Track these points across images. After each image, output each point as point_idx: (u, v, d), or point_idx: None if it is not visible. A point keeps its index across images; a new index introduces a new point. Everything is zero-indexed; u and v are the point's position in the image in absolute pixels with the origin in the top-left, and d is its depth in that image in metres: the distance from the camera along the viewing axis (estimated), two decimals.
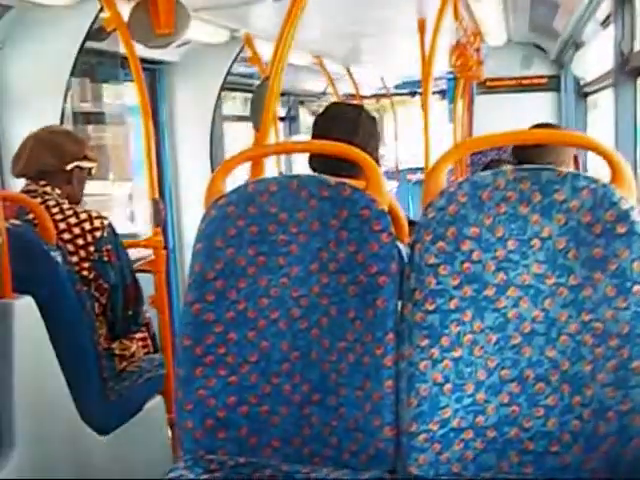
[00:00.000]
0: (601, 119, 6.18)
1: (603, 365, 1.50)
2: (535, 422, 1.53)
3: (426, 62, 4.31)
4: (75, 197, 2.68)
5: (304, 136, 8.59)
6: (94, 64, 4.45)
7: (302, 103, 9.48)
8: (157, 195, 3.34)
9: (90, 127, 4.92)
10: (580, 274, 1.52)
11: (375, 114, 2.35)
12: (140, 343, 2.81)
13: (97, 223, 2.53)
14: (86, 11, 3.41)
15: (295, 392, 1.68)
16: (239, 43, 4.86)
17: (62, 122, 3.50)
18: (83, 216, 2.52)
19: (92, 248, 2.51)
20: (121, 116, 5.20)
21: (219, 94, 5.20)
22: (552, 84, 8.07)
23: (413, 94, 9.90)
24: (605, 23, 4.94)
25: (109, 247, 2.55)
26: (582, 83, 6.79)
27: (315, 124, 2.25)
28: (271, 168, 5.34)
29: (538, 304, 1.54)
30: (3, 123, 3.48)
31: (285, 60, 2.44)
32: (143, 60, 3.62)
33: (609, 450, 1.49)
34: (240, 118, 6.92)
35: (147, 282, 3.21)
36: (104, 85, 4.88)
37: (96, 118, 4.94)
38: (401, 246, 1.84)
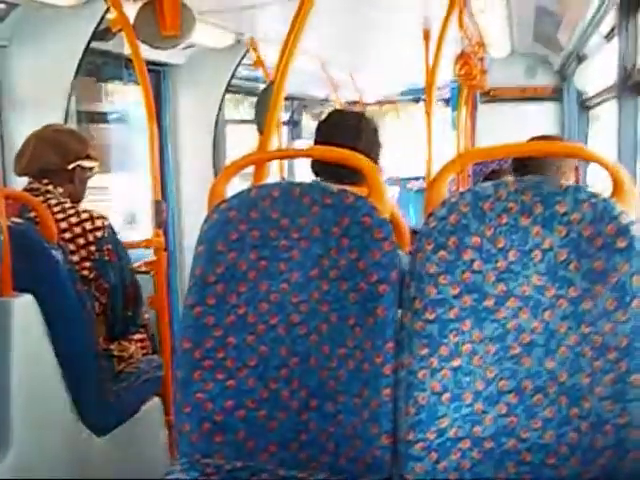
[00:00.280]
0: (602, 132, 6.19)
1: (601, 378, 1.50)
2: (532, 434, 1.53)
3: (430, 71, 4.32)
4: (77, 196, 2.68)
5: (307, 141, 8.60)
6: (99, 64, 4.45)
7: (305, 108, 9.49)
8: (159, 196, 3.34)
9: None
10: (580, 286, 1.53)
11: (377, 122, 2.36)
12: (139, 344, 2.82)
13: (98, 223, 2.53)
14: (92, 11, 3.41)
15: (293, 397, 1.68)
16: (243, 47, 4.87)
17: (66, 121, 3.50)
18: (84, 215, 2.53)
19: (93, 247, 2.51)
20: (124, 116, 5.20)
21: (223, 97, 5.21)
22: (555, 95, 8.08)
23: (417, 101, 9.91)
24: (609, 36, 4.95)
25: (110, 247, 2.55)
26: (584, 97, 6.80)
27: (318, 130, 2.27)
28: (273, 173, 5.34)
29: (538, 315, 1.54)
30: (7, 121, 3.48)
31: (290, 65, 2.45)
32: (148, 62, 3.62)
33: (606, 463, 1.49)
34: (243, 121, 6.93)
35: (146, 283, 3.21)
36: (108, 85, 4.89)
37: (99, 118, 4.94)
38: (402, 254, 1.84)
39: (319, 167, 2.14)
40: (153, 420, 2.85)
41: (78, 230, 2.50)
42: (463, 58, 5.34)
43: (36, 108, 3.44)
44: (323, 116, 2.37)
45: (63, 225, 2.48)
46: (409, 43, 4.87)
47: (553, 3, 5.06)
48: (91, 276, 2.52)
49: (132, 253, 2.87)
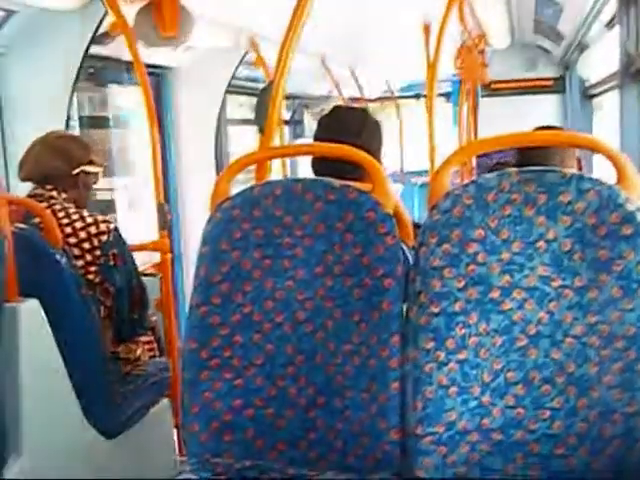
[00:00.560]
0: (606, 121, 6.17)
1: (609, 367, 1.49)
2: (541, 424, 1.52)
3: (431, 65, 4.31)
4: (81, 201, 2.69)
5: (309, 139, 8.59)
6: (99, 68, 4.46)
7: (307, 107, 9.48)
8: (162, 199, 3.34)
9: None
10: (586, 276, 1.52)
11: (380, 117, 2.35)
12: (146, 347, 2.82)
13: (103, 227, 2.53)
14: (91, 15, 3.41)
15: (300, 395, 1.67)
16: (243, 47, 4.87)
17: (67, 127, 3.51)
18: (89, 220, 2.53)
19: (98, 252, 2.52)
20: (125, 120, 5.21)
21: (224, 98, 5.21)
22: (557, 86, 8.06)
23: (418, 97, 9.90)
24: (610, 24, 4.94)
25: (115, 251, 2.55)
26: (587, 85, 6.78)
27: (319, 126, 2.24)
28: (276, 171, 5.34)
29: (543, 306, 1.53)
30: (8, 128, 3.49)
31: (289, 63, 2.44)
32: (148, 65, 3.63)
33: (615, 453, 1.49)
34: (245, 121, 6.93)
35: (152, 286, 3.21)
36: (109, 90, 4.90)
37: (101, 122, 4.95)
38: (406, 248, 1.84)
39: (320, 165, 2.12)
40: (162, 422, 2.86)
41: (83, 235, 2.51)
42: (463, 51, 5.33)
43: (37, 114, 3.45)
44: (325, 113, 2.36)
45: (68, 230, 2.49)
46: (409, 38, 4.87)
47: None
48: (96, 280, 2.52)
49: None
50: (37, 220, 2.39)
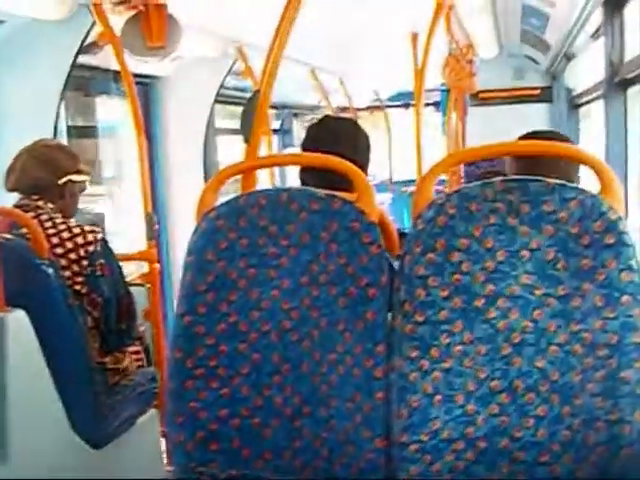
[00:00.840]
0: (594, 130, 6.21)
1: (592, 375, 1.50)
2: (525, 432, 1.53)
3: (418, 74, 4.33)
4: (68, 211, 2.68)
5: (298, 149, 8.60)
6: (87, 78, 4.46)
7: (296, 116, 9.50)
8: (150, 209, 3.35)
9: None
10: (569, 284, 1.53)
11: (367, 126, 2.34)
12: (133, 357, 2.81)
13: (90, 237, 2.53)
14: (79, 25, 3.41)
15: (286, 404, 1.68)
16: (232, 56, 4.88)
17: (55, 136, 3.51)
18: (76, 230, 2.53)
19: (85, 262, 2.51)
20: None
21: (212, 107, 5.22)
22: (545, 95, 8.11)
23: (407, 106, 9.93)
24: (595, 35, 4.98)
25: (102, 261, 2.55)
26: (574, 94, 6.83)
27: (307, 136, 2.20)
28: (264, 181, 5.34)
29: (527, 315, 1.54)
30: None
31: (276, 71, 2.45)
32: (135, 75, 3.63)
33: (599, 460, 1.49)
34: (234, 131, 6.93)
35: (140, 296, 3.21)
36: (97, 99, 4.89)
37: (89, 132, 4.94)
38: (391, 258, 1.84)
39: (307, 175, 2.10)
40: (149, 432, 2.85)
41: (70, 245, 2.50)
42: (451, 61, 5.35)
43: (25, 123, 3.44)
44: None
45: (55, 240, 2.48)
46: (397, 48, 4.89)
47: (539, 3, 5.08)
48: (84, 291, 2.51)
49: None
50: (24, 230, 2.39)
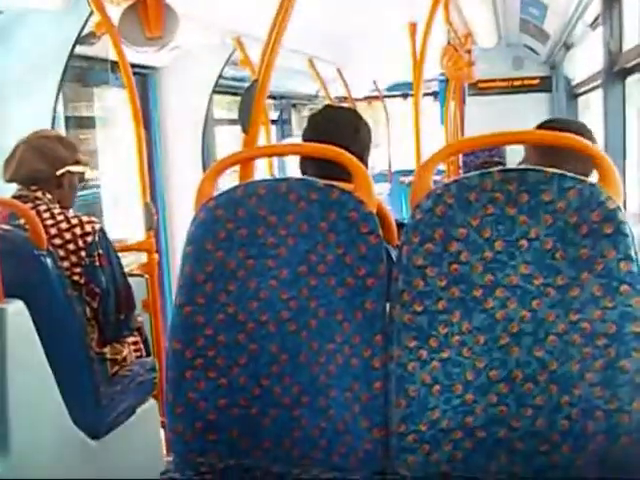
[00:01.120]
0: (594, 118, 6.21)
1: (591, 364, 1.50)
2: (524, 422, 1.53)
3: (417, 64, 4.32)
4: (66, 202, 2.68)
5: (296, 139, 8.59)
6: (85, 68, 4.44)
7: (294, 106, 9.49)
8: (148, 199, 3.34)
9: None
10: (567, 274, 1.53)
11: (367, 115, 2.33)
12: (132, 347, 2.82)
13: (88, 228, 2.53)
14: (76, 15, 3.40)
15: (285, 394, 1.68)
16: (230, 46, 4.86)
17: (53, 126, 3.50)
18: (74, 221, 2.53)
19: (83, 253, 2.51)
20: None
21: (210, 97, 5.20)
22: (544, 85, 8.10)
23: (405, 96, 9.92)
24: (594, 24, 4.97)
25: (100, 252, 2.55)
26: (573, 84, 6.81)
27: (308, 125, 2.18)
28: (263, 172, 5.34)
29: (526, 304, 1.54)
30: None
31: (274, 61, 2.44)
32: (133, 65, 3.62)
33: (598, 449, 1.50)
34: (233, 121, 6.92)
35: (139, 286, 3.21)
36: (95, 90, 4.88)
37: (87, 122, 4.93)
38: (389, 248, 1.84)
39: (307, 165, 2.10)
40: (149, 422, 2.86)
41: (68, 236, 2.50)
42: (450, 50, 5.34)
43: (22, 114, 3.43)
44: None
45: (53, 231, 2.48)
46: (396, 37, 4.88)
47: None
48: (82, 281, 2.51)
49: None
50: (22, 221, 2.39)
